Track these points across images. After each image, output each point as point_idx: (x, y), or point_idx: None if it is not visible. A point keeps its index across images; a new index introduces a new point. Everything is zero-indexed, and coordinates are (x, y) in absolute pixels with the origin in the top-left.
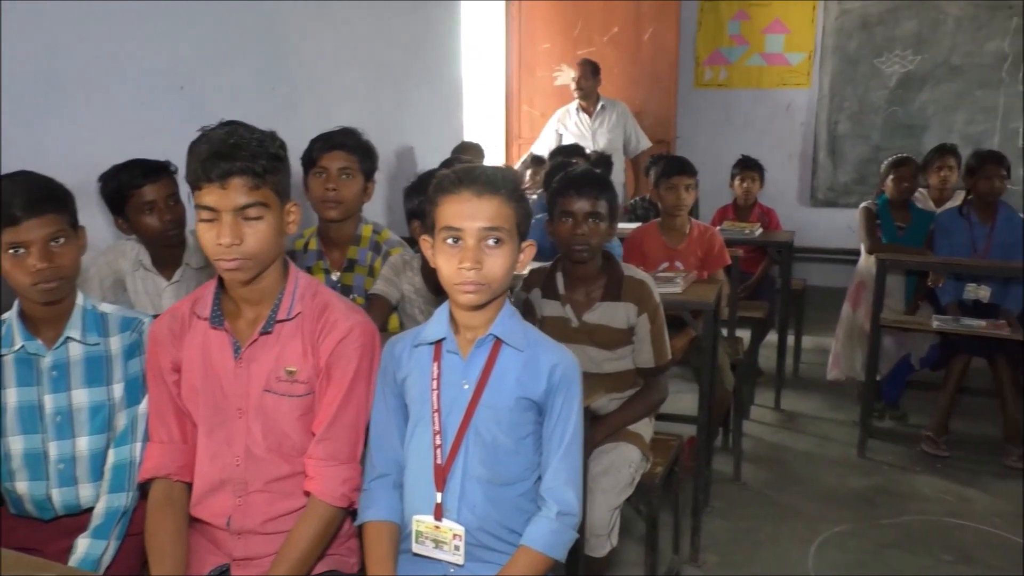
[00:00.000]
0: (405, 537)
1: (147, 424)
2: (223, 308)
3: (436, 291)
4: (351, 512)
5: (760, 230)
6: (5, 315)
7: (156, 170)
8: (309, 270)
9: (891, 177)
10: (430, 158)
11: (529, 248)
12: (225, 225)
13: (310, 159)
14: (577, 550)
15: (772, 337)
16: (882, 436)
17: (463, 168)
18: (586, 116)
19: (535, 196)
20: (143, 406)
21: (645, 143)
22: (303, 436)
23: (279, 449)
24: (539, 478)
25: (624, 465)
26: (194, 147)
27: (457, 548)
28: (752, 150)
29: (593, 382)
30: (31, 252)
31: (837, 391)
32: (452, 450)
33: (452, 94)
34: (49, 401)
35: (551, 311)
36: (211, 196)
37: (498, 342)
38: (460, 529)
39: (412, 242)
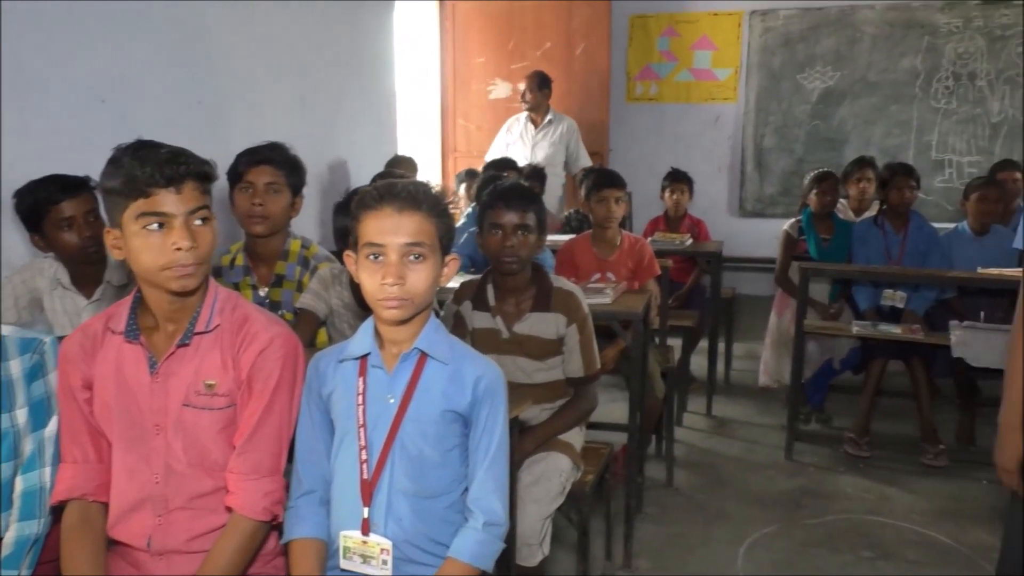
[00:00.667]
0: (332, 553)
1: (57, 446)
2: (140, 323)
3: (365, 305)
4: (276, 528)
5: (690, 240)
6: None
7: (75, 185)
8: (236, 286)
9: (815, 191)
10: (363, 172)
11: (453, 262)
12: (181, 229)
13: (236, 174)
14: (508, 560)
15: (704, 344)
16: (808, 439)
17: (384, 184)
18: (532, 126)
19: (470, 209)
20: (50, 429)
21: (585, 162)
22: (225, 450)
23: (201, 464)
24: (466, 489)
25: (555, 474)
26: (125, 160)
27: (385, 562)
28: (682, 163)
29: (523, 392)
30: None
31: (766, 396)
32: (378, 464)
33: (385, 107)
34: None
35: (481, 323)
36: (165, 200)
37: (423, 356)
38: (387, 543)
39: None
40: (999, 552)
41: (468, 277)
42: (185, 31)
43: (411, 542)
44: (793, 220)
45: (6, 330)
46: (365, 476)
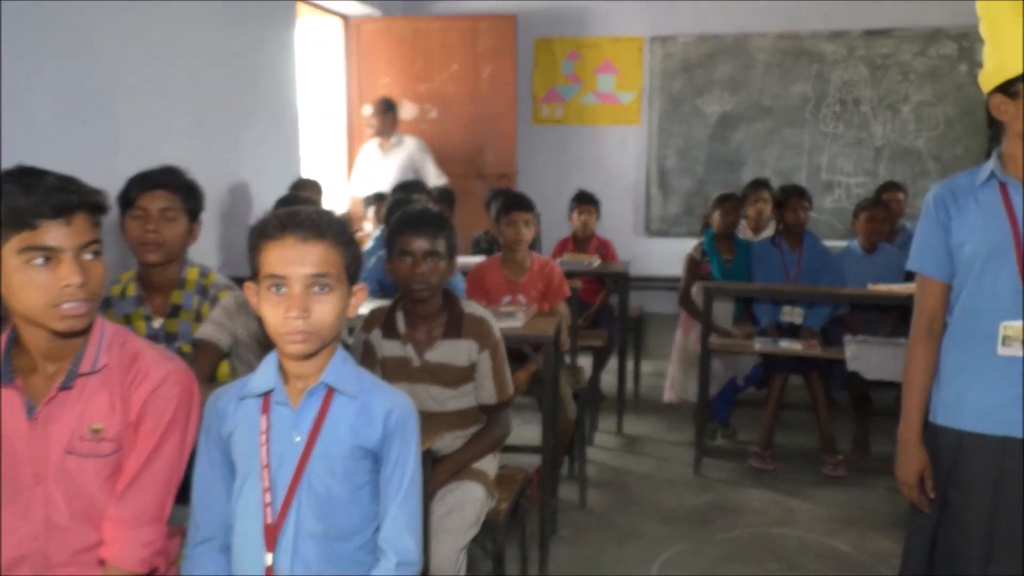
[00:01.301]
0: None
1: None
2: (14, 364)
3: None
4: None
5: (598, 261)
6: None
7: None
8: (127, 318)
9: (717, 212)
10: (266, 195)
11: (360, 291)
12: (70, 264)
13: (127, 199)
14: None
15: (613, 363)
16: (715, 454)
17: (287, 212)
18: (379, 151)
19: (378, 232)
20: None
21: (436, 179)
22: (112, 499)
23: (86, 516)
24: (378, 528)
25: (469, 504)
26: (6, 188)
27: None
28: (589, 184)
29: (436, 421)
30: None
31: (674, 413)
32: (283, 506)
33: (288, 128)
34: None
35: (392, 351)
36: (53, 233)
37: (331, 390)
38: None
39: None
40: (901, 561)
41: (378, 302)
42: (73, 45)
43: None
44: (696, 243)
45: None
46: (269, 520)
